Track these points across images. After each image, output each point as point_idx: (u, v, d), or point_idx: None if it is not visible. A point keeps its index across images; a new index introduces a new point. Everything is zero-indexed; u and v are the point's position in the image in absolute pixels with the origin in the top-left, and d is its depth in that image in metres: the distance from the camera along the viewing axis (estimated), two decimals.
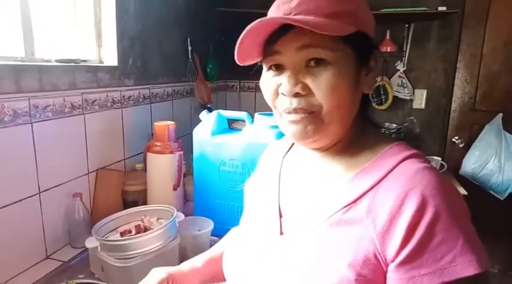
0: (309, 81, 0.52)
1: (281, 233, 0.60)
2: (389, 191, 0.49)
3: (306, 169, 0.64)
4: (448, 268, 0.44)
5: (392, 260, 0.47)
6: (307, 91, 0.53)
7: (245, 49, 0.55)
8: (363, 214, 0.50)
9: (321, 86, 0.52)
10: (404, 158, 0.52)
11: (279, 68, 0.55)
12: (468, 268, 0.44)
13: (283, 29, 0.51)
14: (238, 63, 0.58)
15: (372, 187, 0.51)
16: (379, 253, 0.48)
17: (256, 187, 0.74)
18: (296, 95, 0.53)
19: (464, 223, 0.48)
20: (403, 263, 0.46)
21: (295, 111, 0.54)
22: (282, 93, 0.55)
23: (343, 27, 0.50)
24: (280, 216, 0.62)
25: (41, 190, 1.11)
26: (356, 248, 0.49)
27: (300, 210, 0.60)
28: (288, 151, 0.73)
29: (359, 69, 0.55)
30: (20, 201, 1.04)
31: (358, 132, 0.60)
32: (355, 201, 0.52)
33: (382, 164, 0.53)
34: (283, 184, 0.67)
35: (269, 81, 0.57)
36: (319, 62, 0.52)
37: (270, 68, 0.57)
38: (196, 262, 0.79)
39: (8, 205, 1.01)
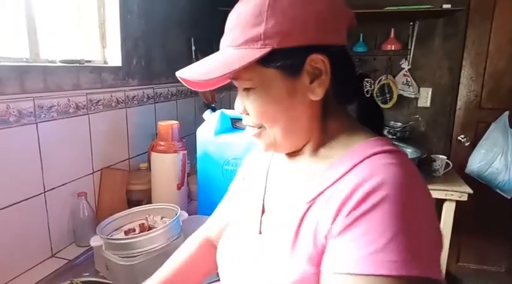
0: (246, 104, 0.59)
1: (260, 232, 0.62)
2: (348, 183, 0.49)
3: (288, 167, 0.65)
4: (364, 260, 0.43)
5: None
6: (247, 112, 0.60)
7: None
8: (322, 207, 0.50)
9: (250, 109, 0.58)
10: (374, 153, 0.50)
11: None
12: (383, 267, 0.42)
13: None
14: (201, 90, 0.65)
15: (335, 182, 0.51)
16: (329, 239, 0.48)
17: (247, 181, 0.76)
18: (243, 113, 0.61)
19: (410, 222, 0.44)
20: (334, 236, 0.47)
21: (249, 126, 0.61)
22: None
23: (244, 57, 0.52)
24: (263, 213, 0.64)
25: (46, 190, 1.12)
26: (314, 242, 0.50)
27: (278, 208, 0.62)
28: None
29: (294, 81, 0.55)
30: (26, 200, 1.05)
31: (333, 130, 0.59)
32: (318, 196, 0.52)
33: (349, 159, 0.52)
34: (269, 182, 0.68)
35: None
36: (248, 88, 0.57)
37: None
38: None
39: (14, 204, 1.02)
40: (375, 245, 0.43)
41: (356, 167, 0.50)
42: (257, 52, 0.52)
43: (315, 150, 0.60)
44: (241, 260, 0.62)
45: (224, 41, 0.58)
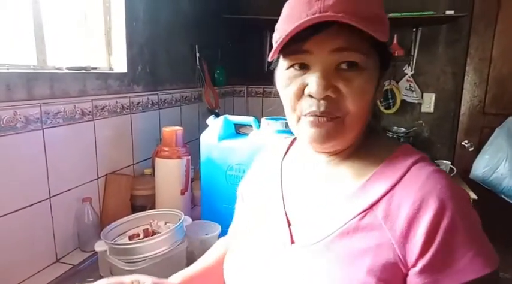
0: (341, 85, 0.50)
1: (292, 242, 0.58)
2: (404, 196, 0.50)
3: (311, 174, 0.62)
4: (464, 270, 0.46)
5: (414, 265, 0.47)
6: (337, 95, 0.50)
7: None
8: (380, 220, 0.50)
9: (354, 91, 0.50)
10: (413, 163, 0.53)
11: (303, 67, 0.52)
12: (483, 269, 0.46)
13: (316, 27, 0.48)
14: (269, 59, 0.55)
15: (386, 193, 0.51)
16: (400, 258, 0.48)
17: (255, 192, 0.72)
18: (325, 98, 0.50)
19: (474, 224, 0.49)
20: (426, 268, 0.47)
21: (322, 114, 0.51)
22: (310, 95, 0.51)
23: (385, 32, 0.51)
24: (289, 224, 0.60)
25: (51, 195, 1.13)
26: (375, 254, 0.49)
27: (311, 217, 0.58)
28: (286, 153, 0.71)
29: (380, 74, 0.55)
30: (31, 205, 1.06)
31: (365, 136, 0.60)
32: (371, 207, 0.51)
33: (392, 169, 0.53)
34: (286, 190, 0.65)
35: (292, 81, 0.53)
36: (351, 65, 0.50)
37: (291, 66, 0.53)
38: (175, 278, 0.74)
39: (20, 209, 1.03)
40: (472, 251, 0.46)
41: (403, 180, 0.52)
42: (383, 32, 0.50)
43: (351, 153, 0.59)
44: (270, 271, 0.57)
45: (333, 7, 0.47)
